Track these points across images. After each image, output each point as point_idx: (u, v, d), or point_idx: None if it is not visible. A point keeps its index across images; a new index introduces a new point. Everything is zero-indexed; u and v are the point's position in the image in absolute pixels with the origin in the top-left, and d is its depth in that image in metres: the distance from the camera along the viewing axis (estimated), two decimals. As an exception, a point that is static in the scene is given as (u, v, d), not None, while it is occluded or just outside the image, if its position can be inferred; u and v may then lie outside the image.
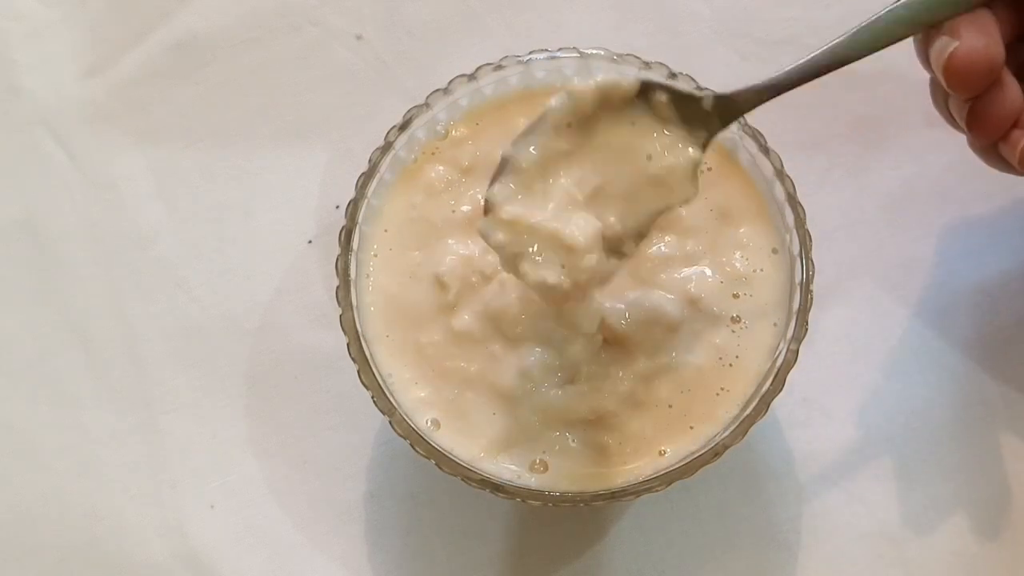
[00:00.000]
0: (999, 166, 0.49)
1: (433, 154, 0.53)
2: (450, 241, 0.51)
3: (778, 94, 0.45)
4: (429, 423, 0.49)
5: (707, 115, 0.45)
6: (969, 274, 0.59)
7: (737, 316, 0.50)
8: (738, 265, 0.51)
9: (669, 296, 0.50)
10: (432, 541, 0.57)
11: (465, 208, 0.52)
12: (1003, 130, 0.47)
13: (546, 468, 0.49)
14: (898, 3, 0.45)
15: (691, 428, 0.49)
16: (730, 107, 0.45)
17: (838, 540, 0.56)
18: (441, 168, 0.53)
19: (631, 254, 0.46)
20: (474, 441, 0.49)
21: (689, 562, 0.56)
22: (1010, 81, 0.46)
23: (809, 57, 0.45)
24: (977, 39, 0.45)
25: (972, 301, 0.59)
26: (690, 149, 0.45)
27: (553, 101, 0.44)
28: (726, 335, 0.50)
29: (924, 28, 0.46)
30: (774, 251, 0.51)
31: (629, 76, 0.44)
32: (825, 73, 0.45)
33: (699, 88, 0.48)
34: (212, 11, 0.66)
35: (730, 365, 0.49)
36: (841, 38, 0.44)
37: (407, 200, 0.52)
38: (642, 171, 0.44)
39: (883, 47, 0.45)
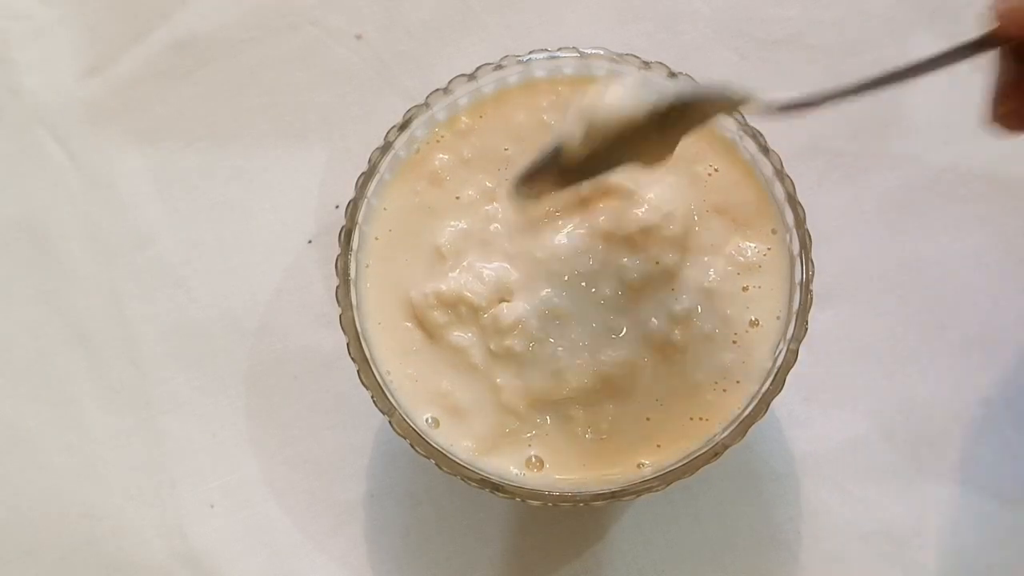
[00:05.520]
0: None
1: (438, 142, 0.53)
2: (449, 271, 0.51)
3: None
4: (429, 422, 0.49)
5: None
6: (969, 274, 0.59)
7: (751, 321, 0.50)
8: (748, 255, 0.51)
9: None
10: (432, 541, 0.57)
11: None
12: None
13: (541, 465, 0.49)
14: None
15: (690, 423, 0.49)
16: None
17: (838, 540, 0.56)
18: (445, 156, 0.52)
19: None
20: (474, 440, 0.49)
21: (689, 562, 0.56)
22: None
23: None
24: None
25: (972, 301, 0.59)
26: None
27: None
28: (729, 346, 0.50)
29: None
30: (773, 231, 0.51)
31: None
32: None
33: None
34: (212, 11, 0.66)
35: (735, 383, 0.49)
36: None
37: (411, 187, 0.52)
38: None
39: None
